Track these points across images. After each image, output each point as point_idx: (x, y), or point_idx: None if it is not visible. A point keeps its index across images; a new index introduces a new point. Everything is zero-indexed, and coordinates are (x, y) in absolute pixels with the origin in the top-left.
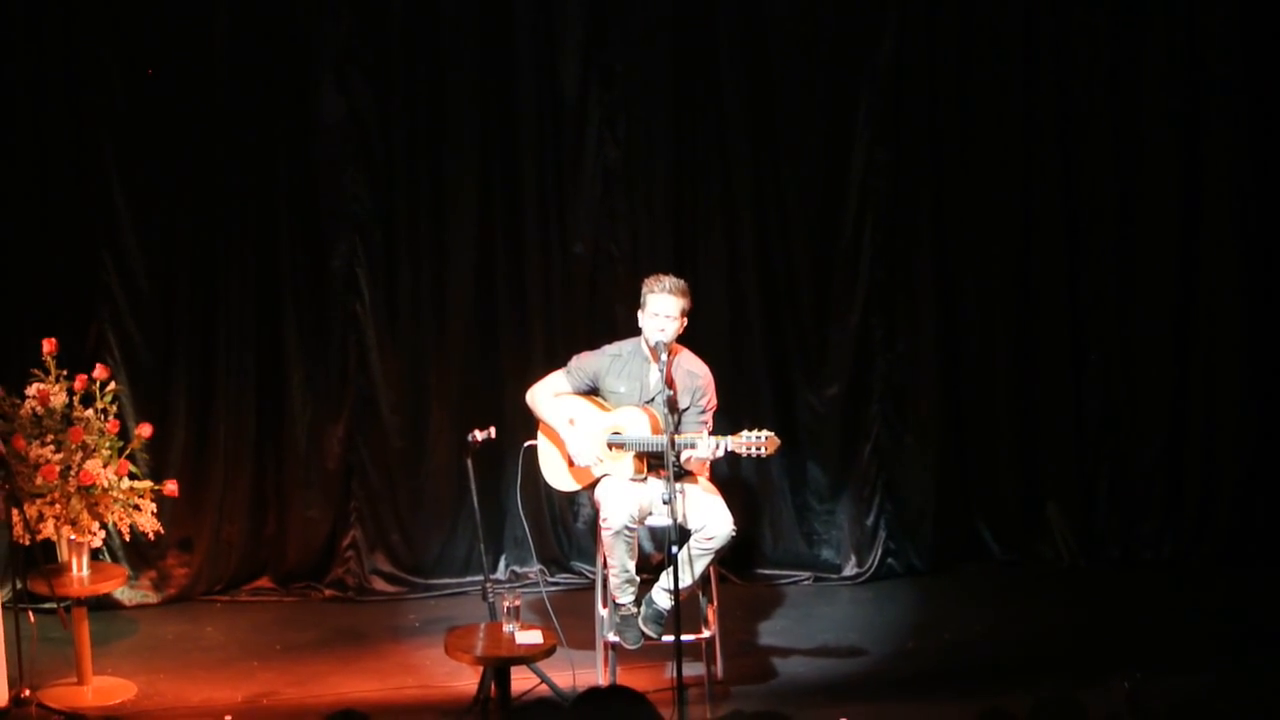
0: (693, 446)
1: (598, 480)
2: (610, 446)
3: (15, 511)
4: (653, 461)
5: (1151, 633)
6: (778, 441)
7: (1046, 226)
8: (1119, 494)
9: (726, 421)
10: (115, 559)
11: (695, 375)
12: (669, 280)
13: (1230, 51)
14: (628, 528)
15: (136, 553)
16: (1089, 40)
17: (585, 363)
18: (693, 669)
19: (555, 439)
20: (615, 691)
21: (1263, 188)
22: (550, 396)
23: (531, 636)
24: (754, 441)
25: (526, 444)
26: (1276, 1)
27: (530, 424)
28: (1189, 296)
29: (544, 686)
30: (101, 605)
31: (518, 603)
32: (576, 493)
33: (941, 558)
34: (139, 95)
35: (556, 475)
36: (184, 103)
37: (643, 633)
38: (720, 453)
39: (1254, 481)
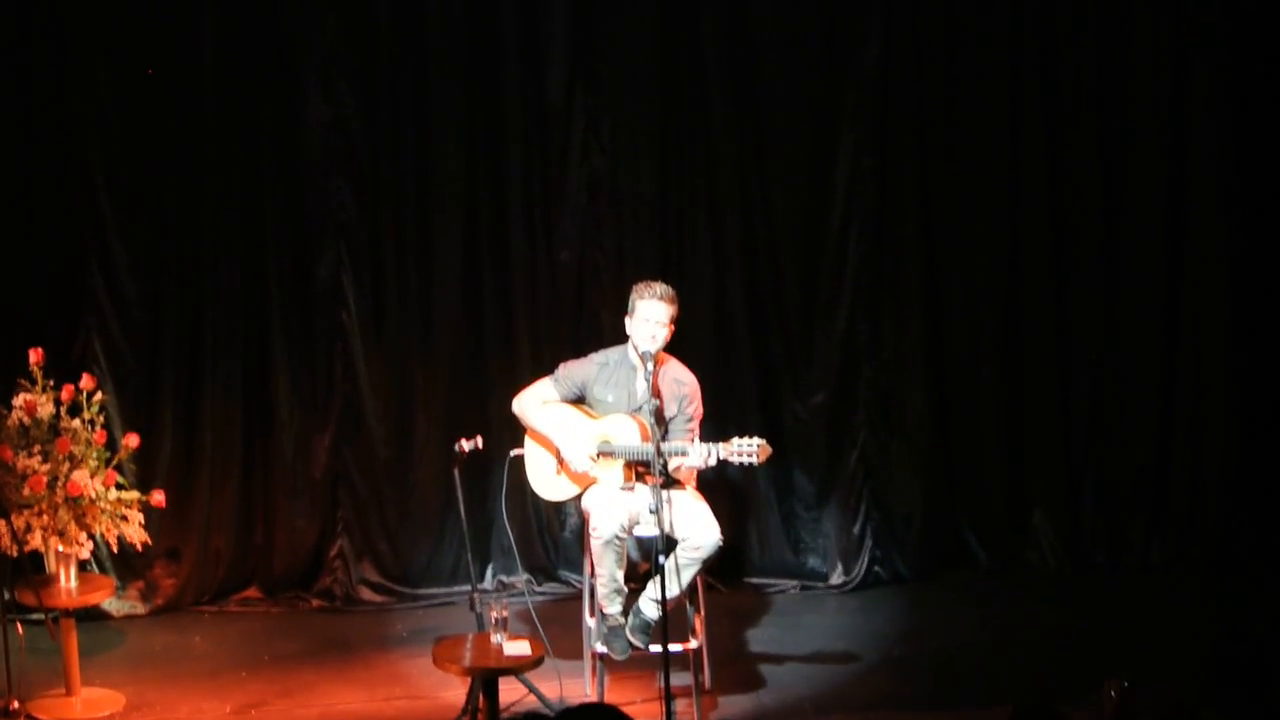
0: (684, 454)
1: (584, 489)
2: (599, 455)
3: (2, 522)
4: (641, 470)
5: (1138, 639)
6: (769, 449)
7: (1033, 233)
8: (1105, 500)
9: (713, 429)
10: (103, 570)
11: (682, 384)
12: (659, 286)
13: (1217, 54)
14: (618, 537)
15: (124, 563)
16: (1075, 45)
17: (573, 371)
18: (680, 679)
19: (547, 445)
20: (598, 710)
21: (1249, 194)
22: (538, 404)
23: (519, 647)
24: (745, 449)
25: (513, 453)
26: (1265, 3)
27: (517, 433)
28: (1175, 303)
29: (532, 697)
30: (89, 616)
31: (505, 613)
32: (564, 502)
33: (928, 565)
34: (124, 104)
35: (544, 484)
36: (169, 111)
37: (630, 643)
38: (712, 461)
39: (1240, 487)
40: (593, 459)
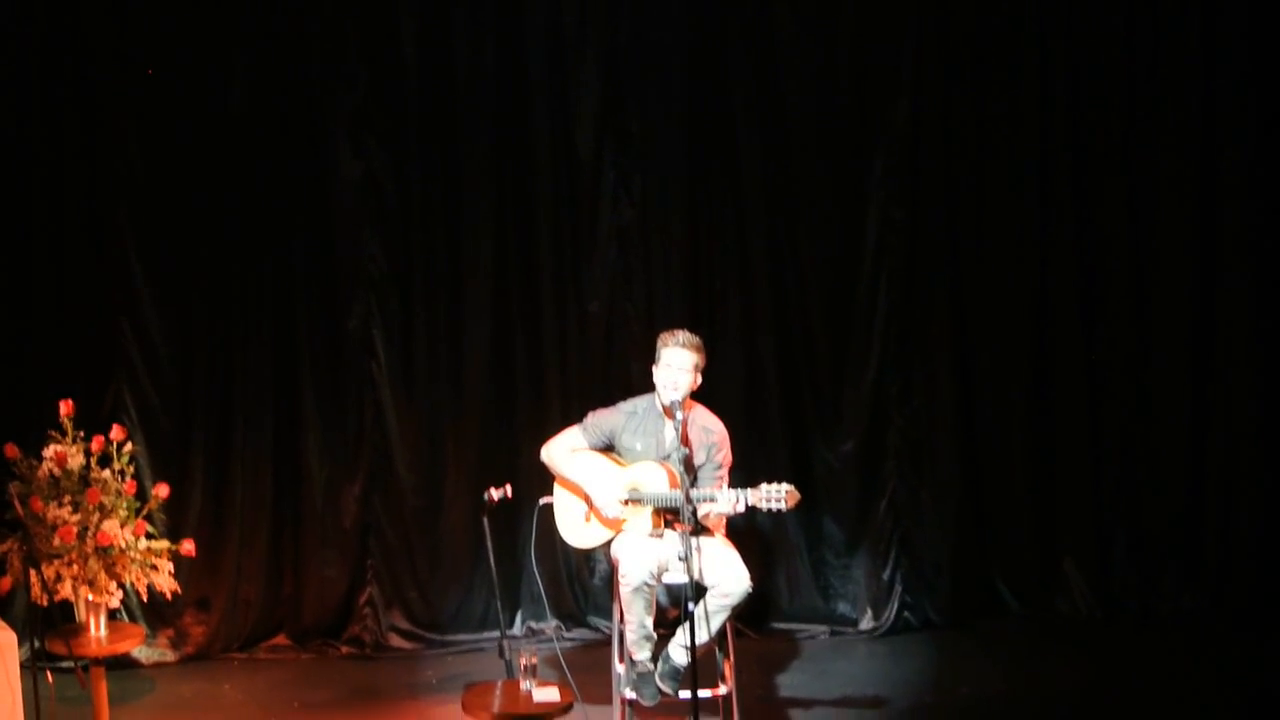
0: (712, 500)
1: (613, 537)
2: (628, 502)
3: (33, 572)
4: (670, 517)
5: (1167, 692)
6: (797, 495)
7: (1062, 285)
8: (1137, 549)
9: (743, 478)
10: (133, 618)
11: (710, 431)
12: (683, 335)
13: (1247, 115)
14: (646, 584)
15: (154, 612)
16: (1104, 102)
17: (601, 419)
18: None
19: (576, 492)
20: None
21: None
22: (567, 452)
23: (548, 694)
24: (774, 495)
25: (542, 501)
26: None
27: (546, 481)
28: (1207, 352)
29: None
30: (119, 664)
31: (534, 660)
32: (593, 549)
33: (958, 612)
34: (155, 161)
35: (573, 531)
36: (200, 166)
37: (659, 689)
38: (740, 507)
39: (1274, 537)
40: (622, 503)
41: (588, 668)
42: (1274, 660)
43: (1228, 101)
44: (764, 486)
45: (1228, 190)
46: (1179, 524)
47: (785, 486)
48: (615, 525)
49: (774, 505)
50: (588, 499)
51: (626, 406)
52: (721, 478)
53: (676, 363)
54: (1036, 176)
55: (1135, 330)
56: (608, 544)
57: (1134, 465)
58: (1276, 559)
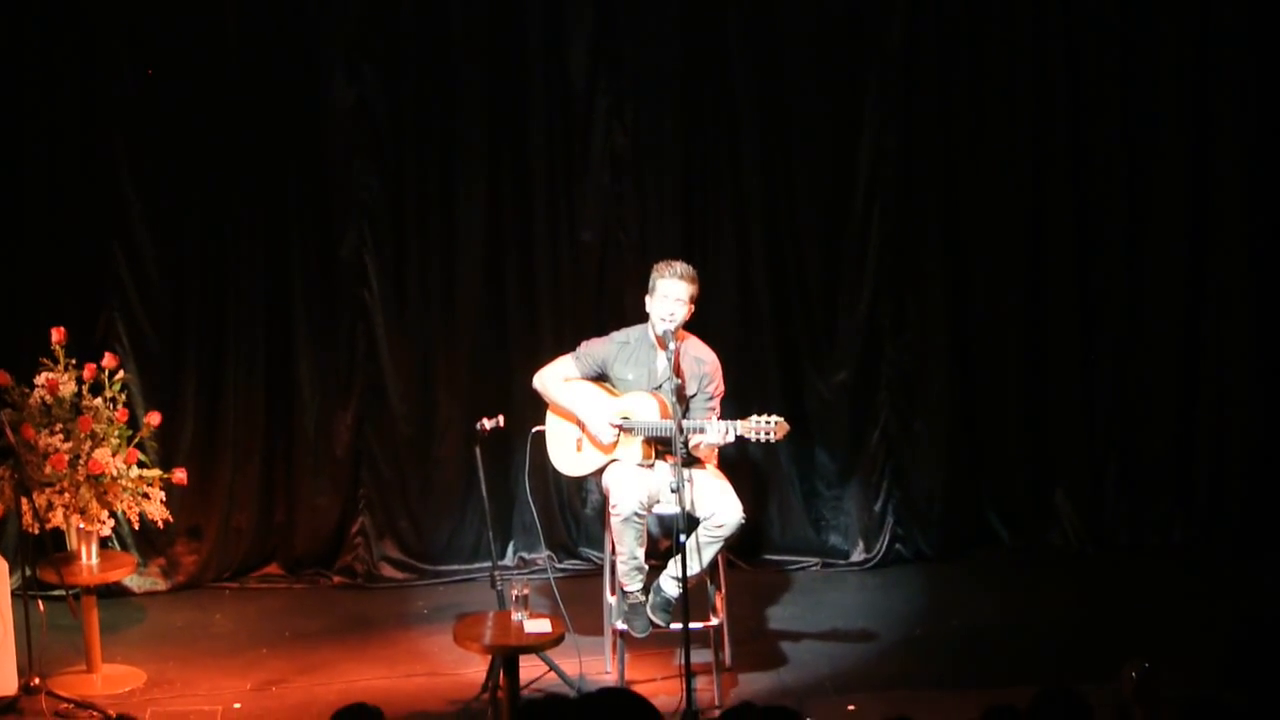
0: (701, 431)
1: (605, 465)
2: (619, 430)
3: (24, 500)
4: (660, 448)
5: (1160, 621)
6: (787, 426)
7: (1057, 214)
8: (1128, 480)
9: (735, 408)
10: (124, 547)
11: (702, 362)
12: (679, 265)
13: (1242, 40)
14: (636, 514)
15: (145, 540)
16: (1100, 26)
17: (593, 349)
18: (701, 656)
19: (569, 419)
20: (617, 695)
21: (1273, 179)
22: (560, 380)
23: (540, 625)
24: (763, 426)
25: (534, 429)
26: None
27: (538, 411)
28: (1200, 284)
29: (552, 674)
30: (110, 593)
31: (526, 591)
32: (584, 478)
33: (950, 544)
34: (148, 86)
35: (565, 459)
36: (193, 92)
37: (651, 620)
38: (730, 437)
39: (1265, 468)
40: (615, 426)
41: (579, 599)
42: (1262, 581)
43: (1221, 19)
44: (754, 418)
45: (1225, 105)
46: (1170, 455)
47: (775, 418)
48: (608, 450)
49: (763, 436)
50: (580, 424)
51: (619, 336)
52: (713, 409)
53: (672, 293)
54: (1032, 100)
55: (1128, 259)
56: (599, 472)
57: (1126, 396)
58: (1266, 489)
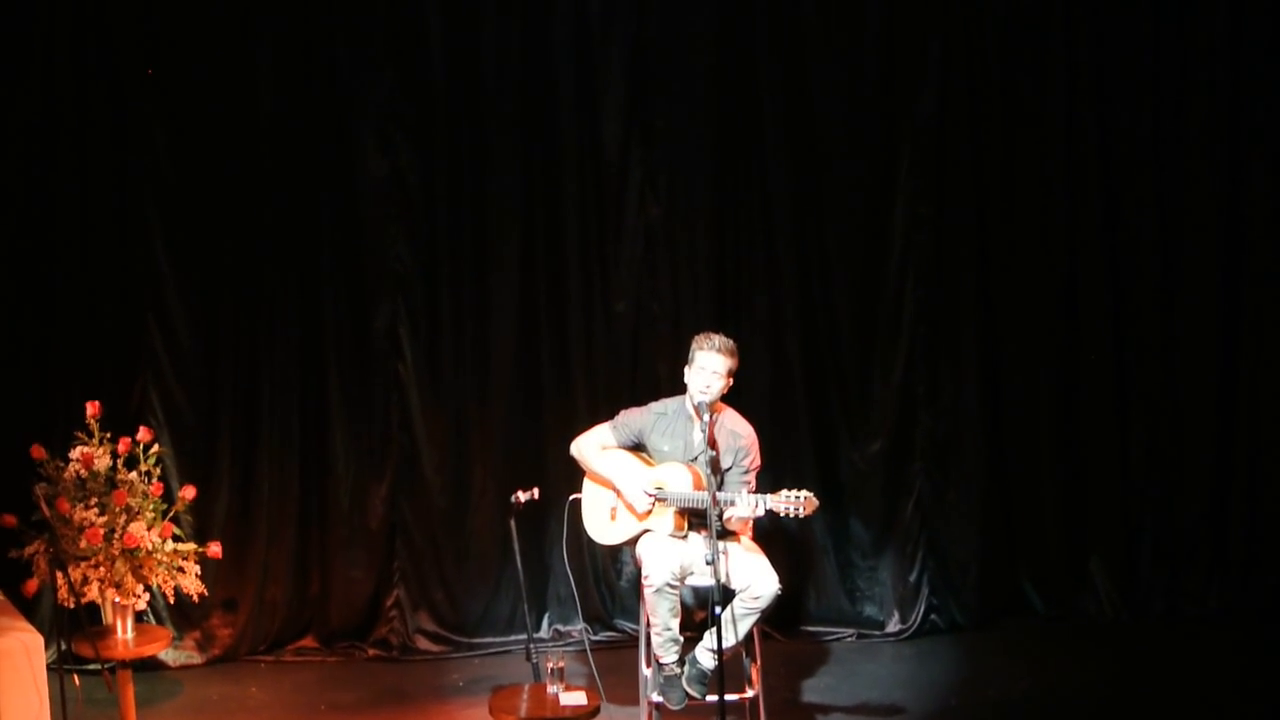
0: (732, 504)
1: (639, 535)
2: (653, 500)
3: (59, 574)
4: (694, 519)
5: (1197, 691)
6: (815, 502)
7: (1090, 280)
8: (1163, 548)
9: (769, 478)
10: (160, 620)
11: (739, 435)
12: (719, 339)
13: (1274, 110)
14: (669, 584)
15: (181, 614)
16: (1132, 98)
17: (631, 419)
18: None
19: (606, 486)
20: None
21: None
22: (597, 448)
23: (575, 698)
24: (792, 501)
25: (571, 497)
26: None
27: (573, 483)
28: (1233, 351)
29: None
30: (146, 666)
31: (562, 664)
32: (619, 547)
33: (985, 613)
34: (182, 157)
35: (599, 528)
36: (227, 164)
37: (686, 692)
38: (760, 511)
39: None
40: (649, 495)
41: (615, 670)
42: None
43: (1254, 95)
44: (784, 492)
45: (1256, 186)
46: (1204, 523)
47: (804, 493)
48: (641, 518)
49: (792, 510)
50: (616, 491)
51: (657, 407)
52: (748, 482)
53: (710, 366)
54: (1064, 172)
55: (1162, 328)
56: (633, 541)
57: (1160, 464)
58: None
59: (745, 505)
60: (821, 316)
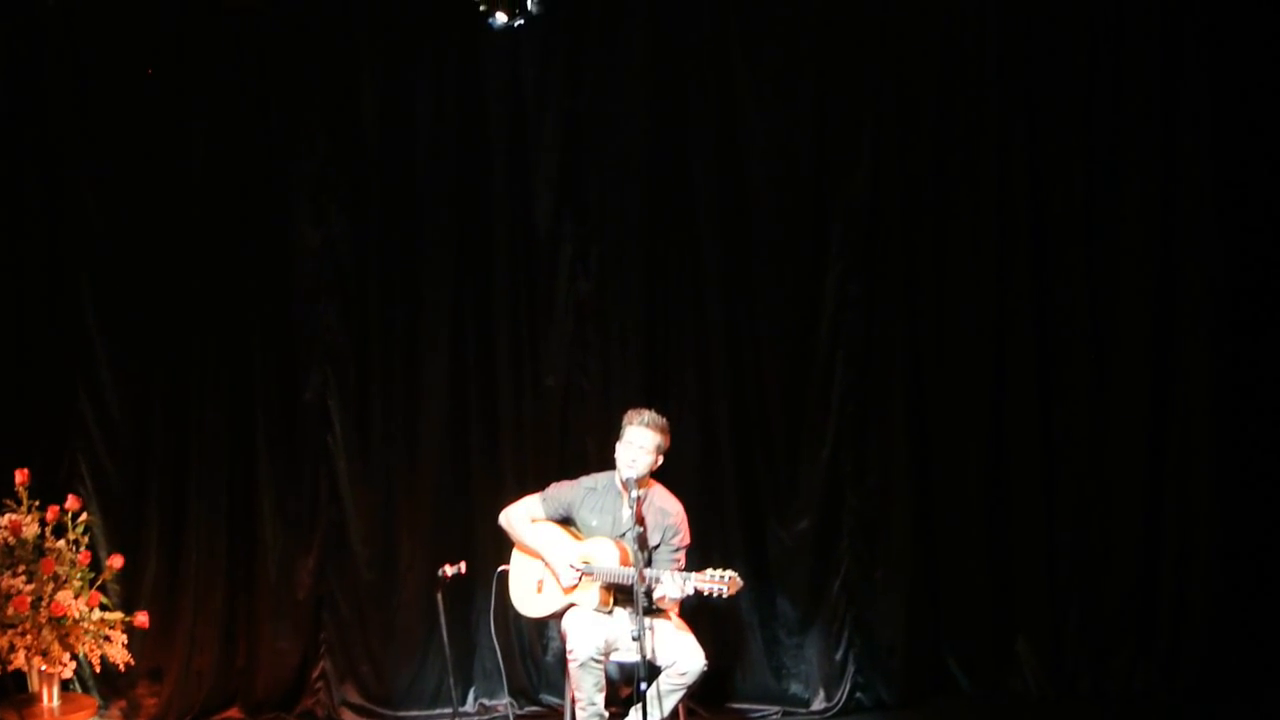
0: (659, 582)
1: (564, 609)
2: (580, 574)
3: None
4: (620, 595)
5: None
6: (740, 582)
7: (1019, 362)
8: (1089, 627)
9: (697, 555)
10: (86, 689)
11: (667, 513)
12: (649, 414)
13: (1207, 188)
14: (594, 659)
15: (107, 682)
16: (1064, 173)
17: (561, 492)
18: None
19: (535, 556)
20: None
21: (1239, 326)
22: (526, 520)
23: None
24: (716, 580)
25: (500, 569)
26: (1251, 132)
27: (501, 554)
28: (1162, 431)
29: None
30: None
31: None
32: (544, 620)
33: (911, 691)
34: (115, 228)
35: (525, 600)
36: (159, 233)
37: None
38: (688, 589)
39: (1226, 616)
40: (576, 569)
41: None
42: None
43: (1187, 175)
44: (709, 571)
45: (1187, 263)
46: (1132, 602)
47: (729, 573)
48: (567, 592)
49: (716, 590)
50: (545, 562)
51: (587, 481)
52: (677, 560)
53: (638, 441)
54: (995, 249)
55: (1091, 408)
56: (558, 615)
57: (1088, 542)
58: (1228, 636)
59: (672, 585)
60: (751, 394)
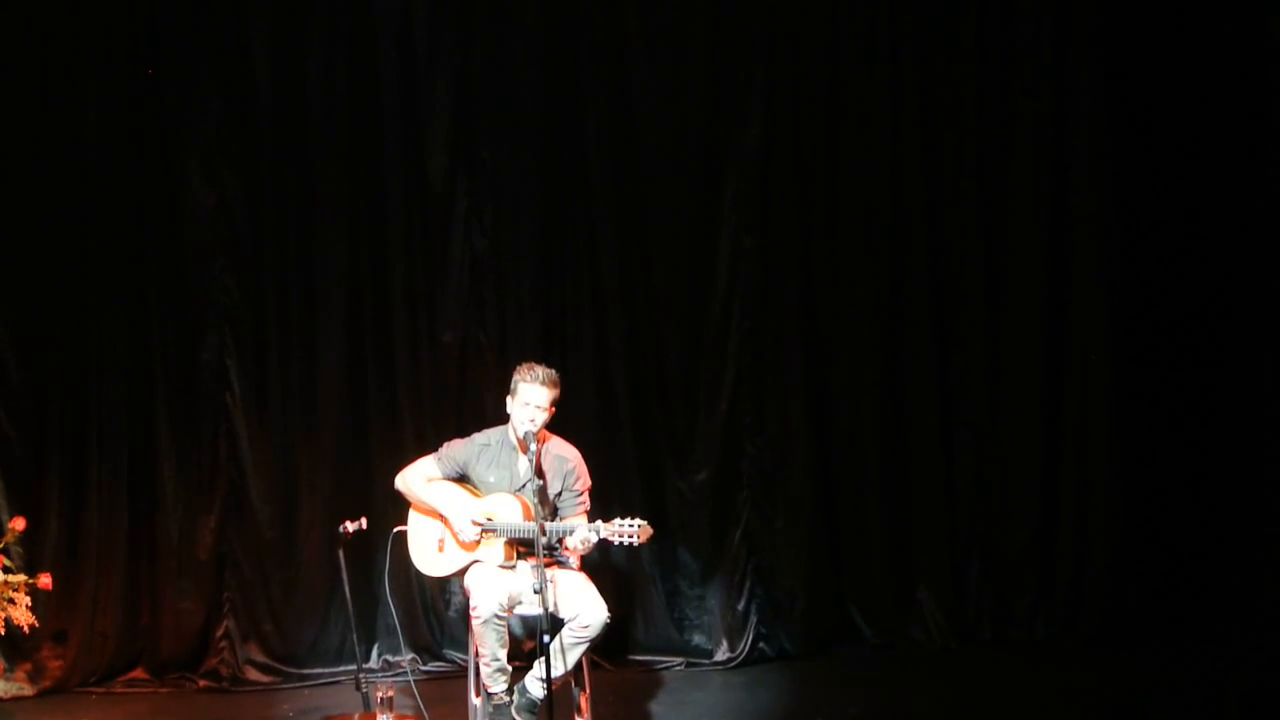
0: (570, 533)
1: (467, 566)
2: (482, 531)
3: None
4: (522, 549)
5: (1021, 716)
6: (650, 530)
7: (915, 310)
8: (990, 576)
9: (597, 508)
10: None
11: (565, 459)
12: (541, 370)
13: (1096, 131)
14: (497, 615)
15: (11, 645)
16: (956, 126)
17: (455, 451)
18: None
19: (434, 517)
20: None
21: (1127, 265)
22: (423, 481)
23: None
24: (626, 530)
25: (396, 530)
26: (1140, 86)
27: (401, 512)
28: (1057, 377)
29: None
30: None
31: (391, 693)
32: (447, 579)
33: (813, 642)
34: (7, 187)
35: (426, 560)
36: (56, 192)
37: None
38: (595, 539)
39: (1125, 563)
40: (478, 525)
41: (444, 700)
42: (1125, 678)
43: (1076, 123)
44: (617, 521)
45: (1080, 213)
46: (1031, 550)
47: (639, 521)
48: (470, 549)
49: (627, 540)
50: (445, 522)
51: (480, 438)
52: (583, 503)
53: (534, 400)
54: (888, 202)
55: (988, 355)
56: (461, 572)
57: (987, 491)
58: (1126, 582)
59: (583, 533)
60: (648, 347)
